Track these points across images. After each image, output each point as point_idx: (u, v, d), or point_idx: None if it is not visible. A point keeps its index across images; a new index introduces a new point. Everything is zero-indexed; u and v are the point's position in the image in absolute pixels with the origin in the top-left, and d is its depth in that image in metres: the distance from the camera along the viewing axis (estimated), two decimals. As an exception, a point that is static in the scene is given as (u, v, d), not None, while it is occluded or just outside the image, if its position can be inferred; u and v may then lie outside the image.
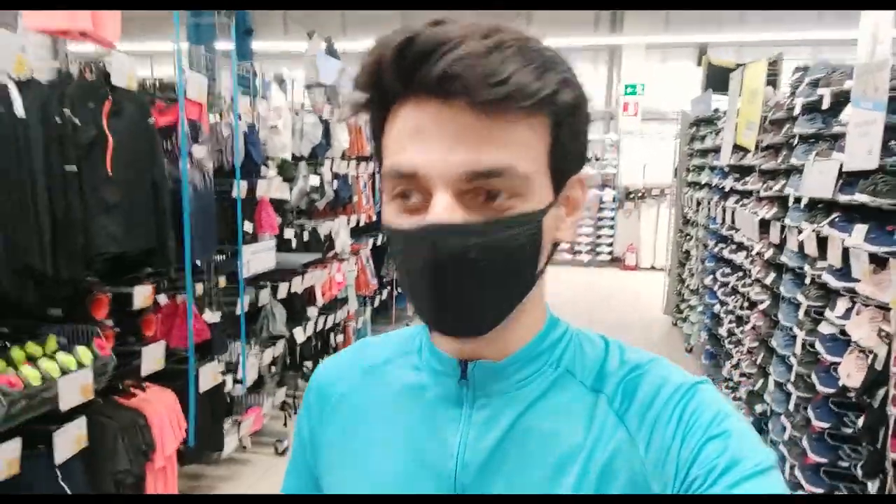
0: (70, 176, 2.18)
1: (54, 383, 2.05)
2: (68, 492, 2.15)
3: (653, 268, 10.21)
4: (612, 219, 10.96)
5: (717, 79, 5.78)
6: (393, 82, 0.49)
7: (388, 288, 5.66)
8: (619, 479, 0.53)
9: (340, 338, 4.54)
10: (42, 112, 2.06)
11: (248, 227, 3.34)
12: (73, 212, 2.19)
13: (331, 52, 5.04)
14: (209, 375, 2.97)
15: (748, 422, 0.53)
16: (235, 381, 3.34)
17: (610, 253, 10.97)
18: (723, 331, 4.60)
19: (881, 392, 1.98)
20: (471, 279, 0.51)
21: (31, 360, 2.11)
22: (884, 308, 2.13)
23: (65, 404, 2.09)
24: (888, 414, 1.95)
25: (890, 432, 1.97)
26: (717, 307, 4.80)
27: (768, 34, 9.06)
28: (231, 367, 3.32)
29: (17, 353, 2.06)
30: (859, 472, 2.23)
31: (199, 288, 2.99)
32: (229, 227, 3.21)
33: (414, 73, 0.47)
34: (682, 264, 6.60)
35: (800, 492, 2.78)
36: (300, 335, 3.85)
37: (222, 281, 3.16)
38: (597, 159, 10.92)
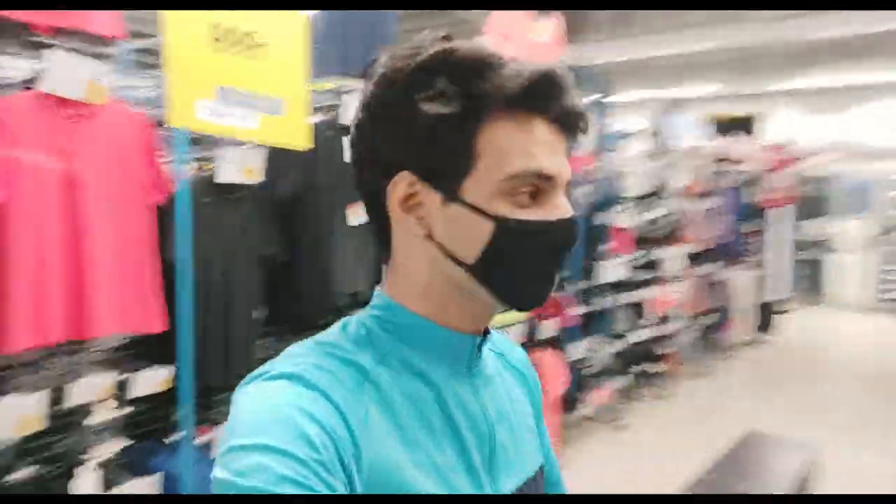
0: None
1: (510, 329, 3.43)
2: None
3: None
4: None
5: None
6: (533, 102, 0.59)
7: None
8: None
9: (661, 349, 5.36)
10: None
11: (604, 247, 4.50)
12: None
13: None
14: (579, 350, 4.16)
15: None
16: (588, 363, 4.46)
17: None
18: None
19: None
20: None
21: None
22: None
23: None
24: None
25: None
26: None
27: None
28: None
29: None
30: None
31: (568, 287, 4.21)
32: (593, 247, 4.40)
33: (549, 101, 0.60)
34: None
35: None
36: (633, 336, 4.83)
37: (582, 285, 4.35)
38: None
